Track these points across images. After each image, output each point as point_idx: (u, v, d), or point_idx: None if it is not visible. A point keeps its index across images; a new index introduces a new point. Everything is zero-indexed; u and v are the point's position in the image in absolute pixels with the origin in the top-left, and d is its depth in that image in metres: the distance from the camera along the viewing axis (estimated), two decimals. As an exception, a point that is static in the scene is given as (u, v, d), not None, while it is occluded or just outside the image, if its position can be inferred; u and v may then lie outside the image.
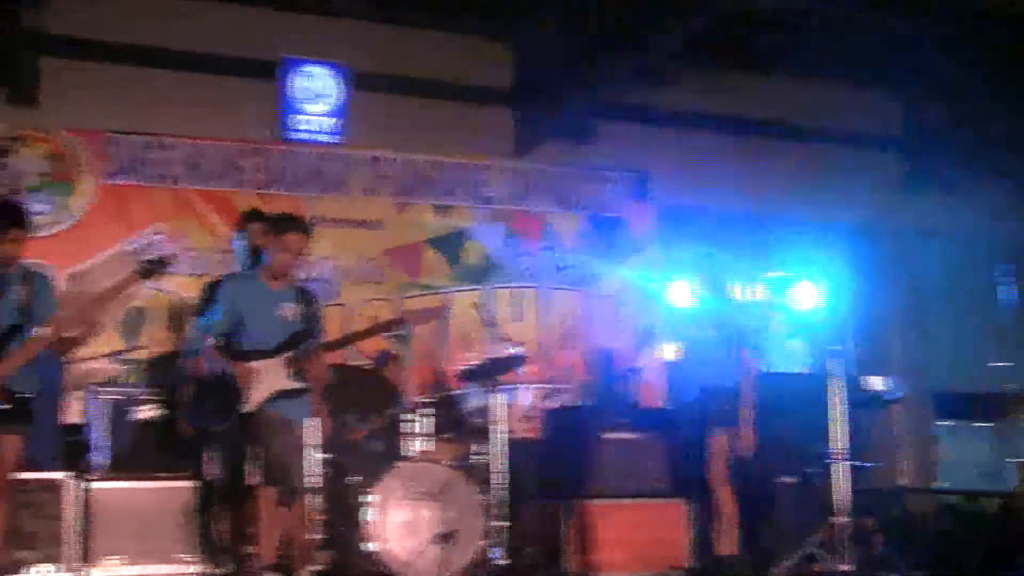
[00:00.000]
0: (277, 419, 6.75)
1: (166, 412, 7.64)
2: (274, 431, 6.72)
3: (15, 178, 8.92)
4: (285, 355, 6.79)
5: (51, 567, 7.27)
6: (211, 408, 6.82)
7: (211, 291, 7.37)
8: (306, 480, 7.17)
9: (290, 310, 6.86)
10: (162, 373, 8.52)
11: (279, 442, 6.73)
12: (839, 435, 8.00)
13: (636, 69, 10.10)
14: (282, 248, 6.84)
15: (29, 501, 7.27)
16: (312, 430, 7.15)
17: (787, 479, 8.50)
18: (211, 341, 6.86)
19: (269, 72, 10.24)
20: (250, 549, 7.09)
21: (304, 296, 6.99)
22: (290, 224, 6.97)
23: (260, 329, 6.81)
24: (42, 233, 8.85)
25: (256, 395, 6.71)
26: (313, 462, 7.52)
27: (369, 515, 7.30)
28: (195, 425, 7.07)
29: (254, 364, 6.75)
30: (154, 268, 6.82)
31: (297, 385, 6.82)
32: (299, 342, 6.83)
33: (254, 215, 7.65)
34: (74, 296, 8.62)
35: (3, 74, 9.67)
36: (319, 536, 7.58)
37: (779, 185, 11.35)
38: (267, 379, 6.75)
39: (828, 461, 7.99)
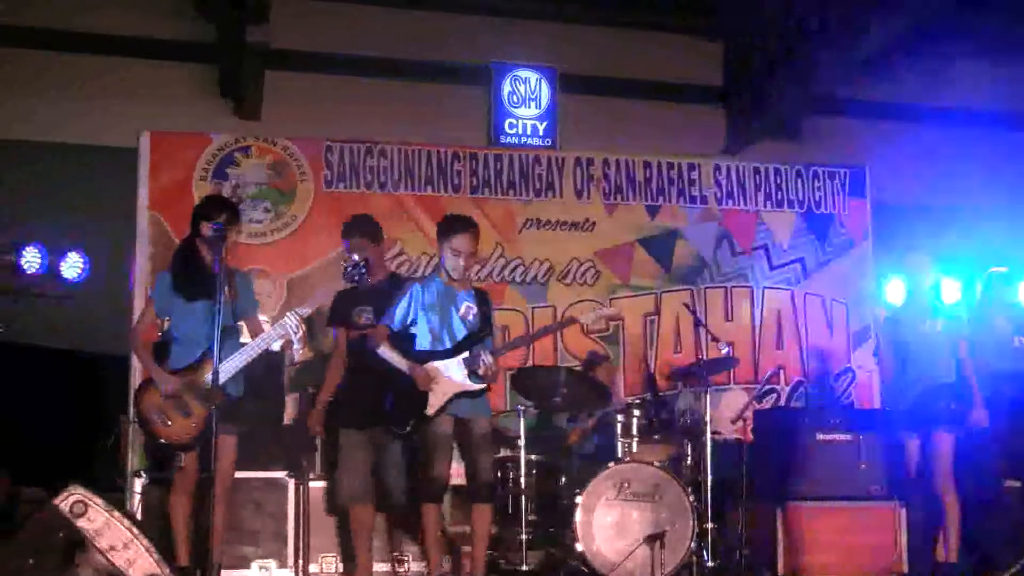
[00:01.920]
0: (458, 420, 6.85)
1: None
2: (455, 433, 6.85)
3: (238, 187, 9.24)
4: (461, 356, 6.86)
5: (272, 562, 7.56)
6: (395, 410, 6.95)
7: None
8: (494, 476, 7.25)
9: (469, 310, 6.95)
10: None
11: (462, 443, 6.87)
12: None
13: (849, 63, 9.87)
14: (451, 251, 6.88)
15: (253, 499, 7.61)
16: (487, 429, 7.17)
17: (1012, 483, 8.21)
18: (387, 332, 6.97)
19: (480, 77, 10.42)
20: (466, 548, 7.25)
21: (481, 297, 7.09)
22: (454, 225, 6.98)
23: (438, 327, 6.90)
24: (263, 240, 9.22)
25: (435, 399, 6.80)
26: (523, 463, 7.65)
27: (578, 516, 7.32)
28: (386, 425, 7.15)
29: (432, 366, 6.84)
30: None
31: (476, 387, 6.90)
32: (474, 342, 6.90)
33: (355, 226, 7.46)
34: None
35: (230, 87, 10.09)
36: (530, 535, 7.68)
37: (1002, 177, 10.92)
38: (445, 382, 6.83)
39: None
